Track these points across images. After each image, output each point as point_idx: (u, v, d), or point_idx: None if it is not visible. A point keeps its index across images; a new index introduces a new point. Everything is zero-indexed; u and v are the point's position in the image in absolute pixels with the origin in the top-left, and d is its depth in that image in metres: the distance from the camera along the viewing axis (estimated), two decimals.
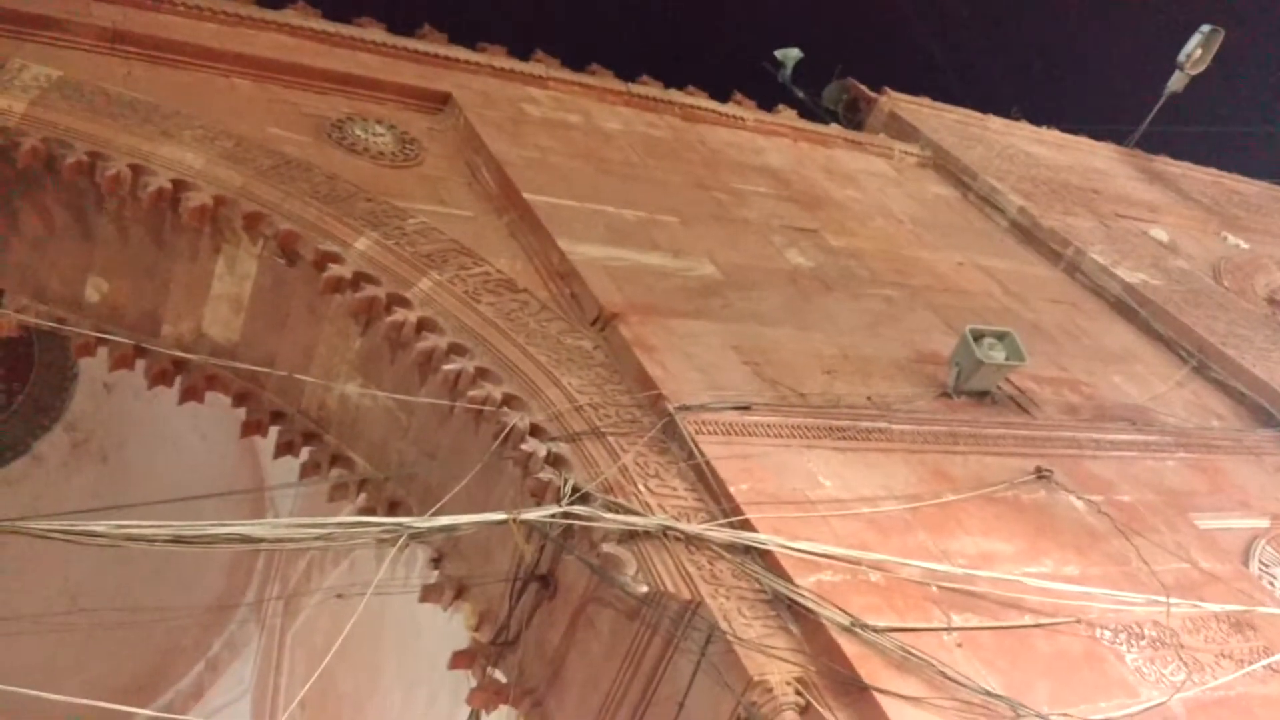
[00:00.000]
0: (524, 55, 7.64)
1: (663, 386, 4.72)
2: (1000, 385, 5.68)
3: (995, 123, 10.02)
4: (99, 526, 3.40)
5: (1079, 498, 5.06)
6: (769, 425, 4.73)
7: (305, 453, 5.57)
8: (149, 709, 8.33)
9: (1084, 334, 6.98)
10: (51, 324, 5.18)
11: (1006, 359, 5.50)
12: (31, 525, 3.37)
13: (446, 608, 5.05)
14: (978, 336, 5.53)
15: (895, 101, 9.40)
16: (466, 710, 4.84)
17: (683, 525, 4.06)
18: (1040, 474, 5.07)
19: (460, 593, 5.00)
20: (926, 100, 9.65)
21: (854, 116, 9.44)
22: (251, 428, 5.55)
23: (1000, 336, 5.58)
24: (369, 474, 5.48)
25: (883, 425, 5.03)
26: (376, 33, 6.96)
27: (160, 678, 9.14)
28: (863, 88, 9.55)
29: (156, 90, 5.60)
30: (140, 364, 5.44)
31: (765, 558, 4.00)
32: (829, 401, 5.12)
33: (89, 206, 5.21)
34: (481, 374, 4.83)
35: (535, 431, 4.57)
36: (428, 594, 5.09)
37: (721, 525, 4.10)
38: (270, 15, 6.61)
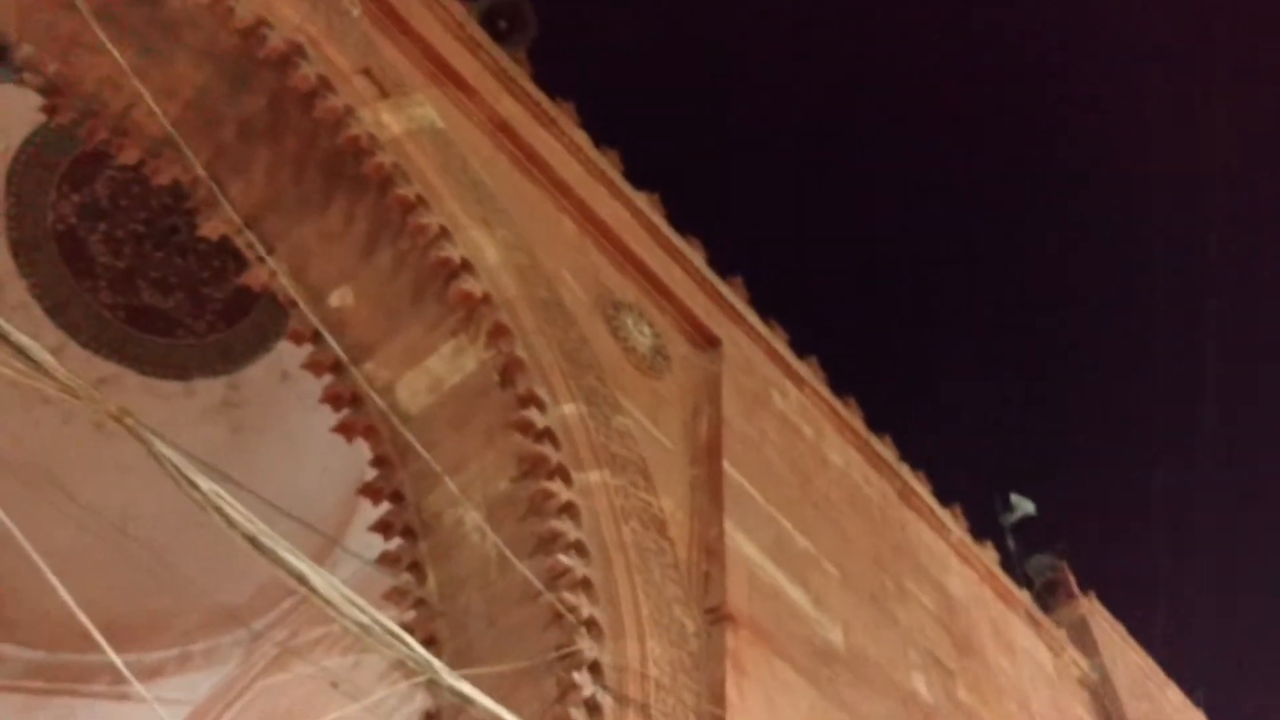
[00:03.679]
0: (802, 348, 7.79)
1: (730, 713, 4.45)
2: None
3: (1174, 695, 9.38)
4: (202, 481, 3.43)
5: None
6: None
7: (395, 543, 5.53)
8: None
9: None
10: (291, 300, 5.43)
11: None
12: (152, 437, 3.43)
13: None
14: None
15: (1093, 611, 8.98)
16: None
17: None
18: None
19: None
20: (1123, 629, 9.18)
21: (1048, 597, 9.06)
22: (371, 491, 5.58)
23: None
24: (430, 598, 5.37)
25: None
26: (697, 256, 7.29)
27: (131, 640, 9.04)
28: (1072, 578, 9.20)
29: (502, 183, 5.99)
30: (327, 378, 5.60)
31: None
32: None
33: (386, 232, 5.52)
34: (584, 584, 4.71)
35: (595, 669, 4.38)
36: None
37: None
38: (626, 190, 7.04)
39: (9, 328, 3.36)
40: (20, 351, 3.37)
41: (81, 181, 8.20)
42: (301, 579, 3.71)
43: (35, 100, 5.64)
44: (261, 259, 5.47)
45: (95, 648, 3.17)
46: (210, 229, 5.57)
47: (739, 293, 7.54)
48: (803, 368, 7.68)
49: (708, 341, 6.86)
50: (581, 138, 6.76)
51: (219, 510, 3.36)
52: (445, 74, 6.04)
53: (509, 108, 6.32)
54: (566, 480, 5.02)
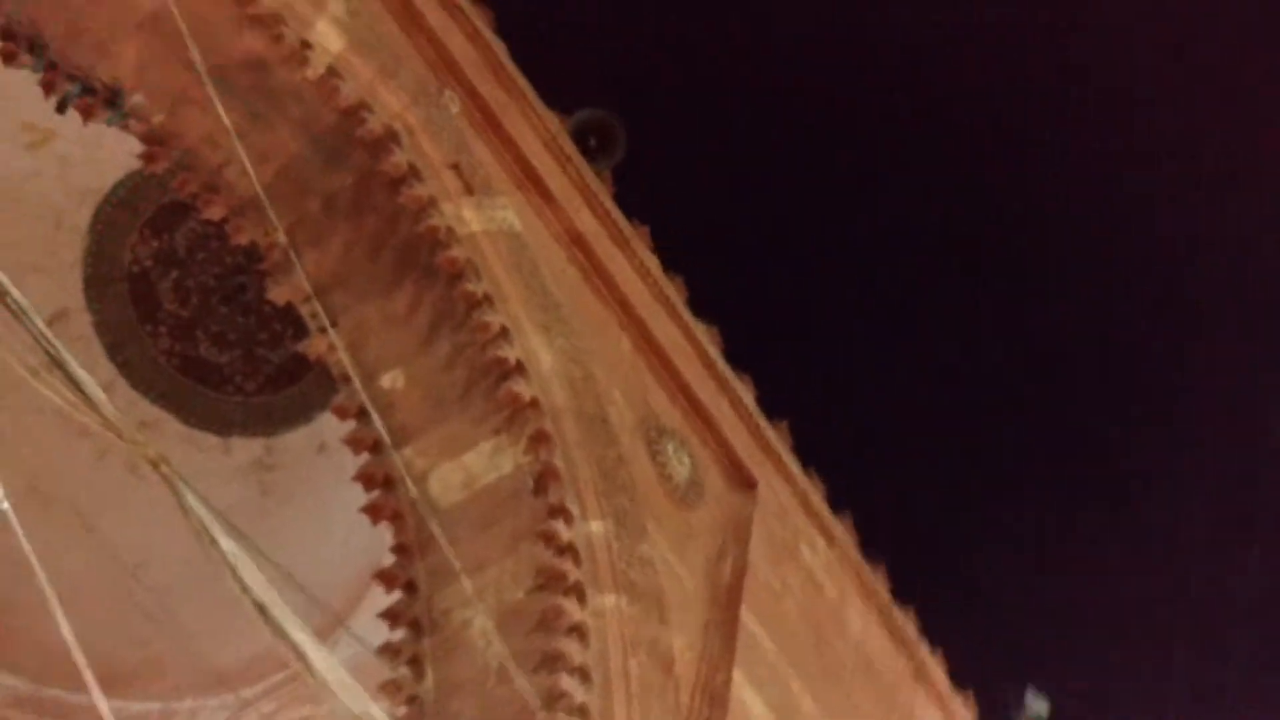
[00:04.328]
0: (837, 503, 7.67)
1: None
2: None
3: None
4: (224, 540, 3.42)
5: None
6: None
7: (400, 634, 5.45)
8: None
9: None
10: (344, 374, 5.48)
11: None
12: (185, 488, 3.44)
13: None
14: None
15: None
16: None
17: None
18: None
19: None
20: None
21: None
22: (386, 578, 5.53)
23: None
24: (425, 697, 5.26)
25: None
26: (747, 394, 7.26)
27: (119, 685, 8.91)
28: None
29: (569, 294, 6.05)
30: (365, 457, 5.61)
31: None
32: None
33: (447, 324, 5.60)
34: (582, 711, 4.61)
35: None
36: None
37: None
38: (687, 317, 7.05)
39: (68, 357, 3.42)
40: (74, 383, 3.42)
41: (163, 229, 8.42)
42: (302, 656, 3.65)
43: (135, 146, 5.84)
44: (323, 330, 5.54)
45: (83, 686, 3.12)
46: (279, 294, 5.68)
47: (783, 437, 7.48)
48: (836, 525, 7.57)
49: (745, 482, 6.79)
50: (651, 261, 6.84)
51: (234, 572, 3.34)
52: (531, 180, 6.18)
53: (586, 222, 6.42)
54: (581, 600, 4.95)
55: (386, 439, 5.32)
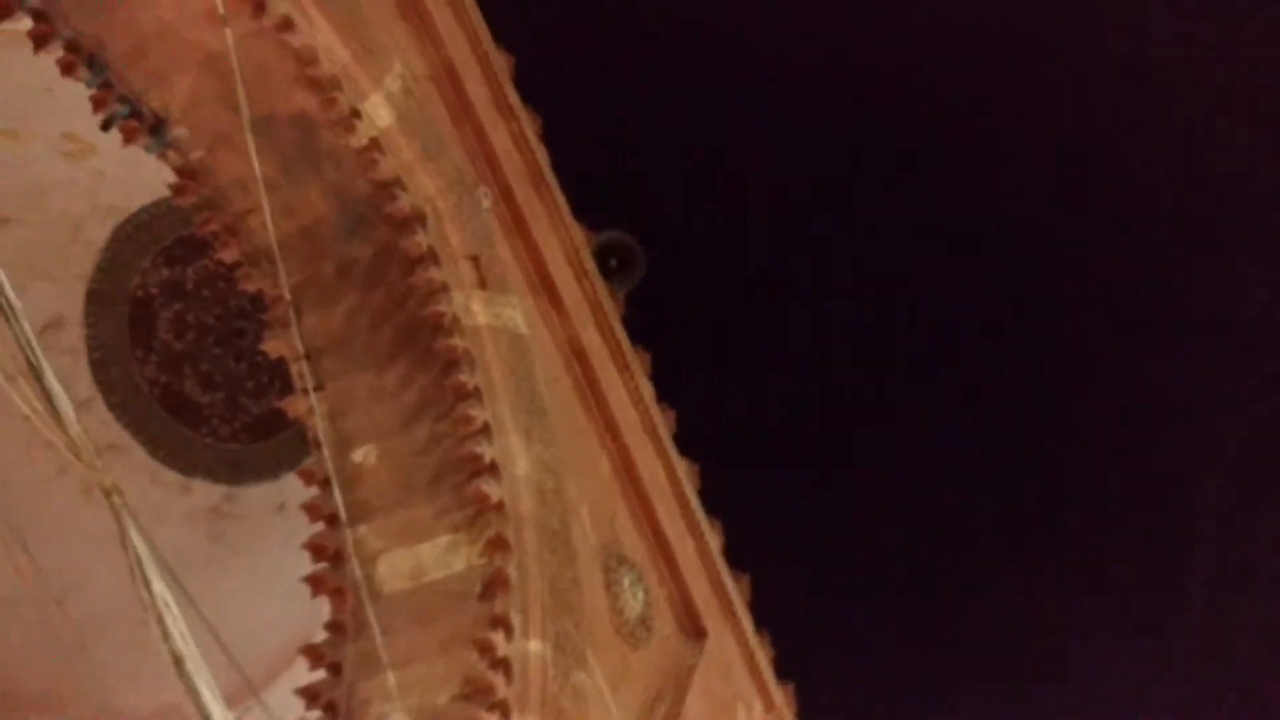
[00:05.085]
0: (785, 669, 7.51)
1: None
2: None
3: None
4: (156, 583, 3.32)
5: None
6: None
7: (314, 716, 5.26)
8: None
9: None
10: (318, 440, 5.42)
11: None
12: (130, 524, 3.36)
13: None
14: None
15: None
16: None
17: None
18: None
19: None
20: None
21: None
22: (313, 654, 5.37)
23: None
24: None
25: None
26: (715, 540, 7.16)
27: (17, 712, 8.59)
28: None
29: (559, 405, 6.01)
30: (319, 526, 5.51)
31: None
32: None
33: (432, 410, 5.55)
34: None
35: None
36: None
37: None
38: (671, 452, 7.00)
39: (46, 367, 3.38)
40: (47, 394, 3.37)
41: (176, 260, 8.46)
42: (206, 718, 3.51)
43: (168, 176, 5.89)
44: (307, 391, 5.50)
45: None
46: (273, 347, 5.66)
47: (742, 591, 7.36)
48: (778, 691, 7.38)
49: (696, 630, 6.64)
50: (647, 389, 6.83)
51: (159, 617, 3.23)
52: (545, 286, 6.22)
53: (591, 337, 6.44)
54: (505, 718, 4.78)
55: (343, 515, 5.23)
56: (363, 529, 5.48)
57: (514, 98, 6.29)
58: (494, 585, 5.15)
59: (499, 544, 5.24)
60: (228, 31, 4.84)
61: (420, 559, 5.41)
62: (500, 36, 6.39)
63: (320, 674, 5.33)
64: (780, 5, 12.08)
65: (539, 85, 6.64)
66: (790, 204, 12.82)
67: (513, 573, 5.16)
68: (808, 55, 12.18)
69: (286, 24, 5.13)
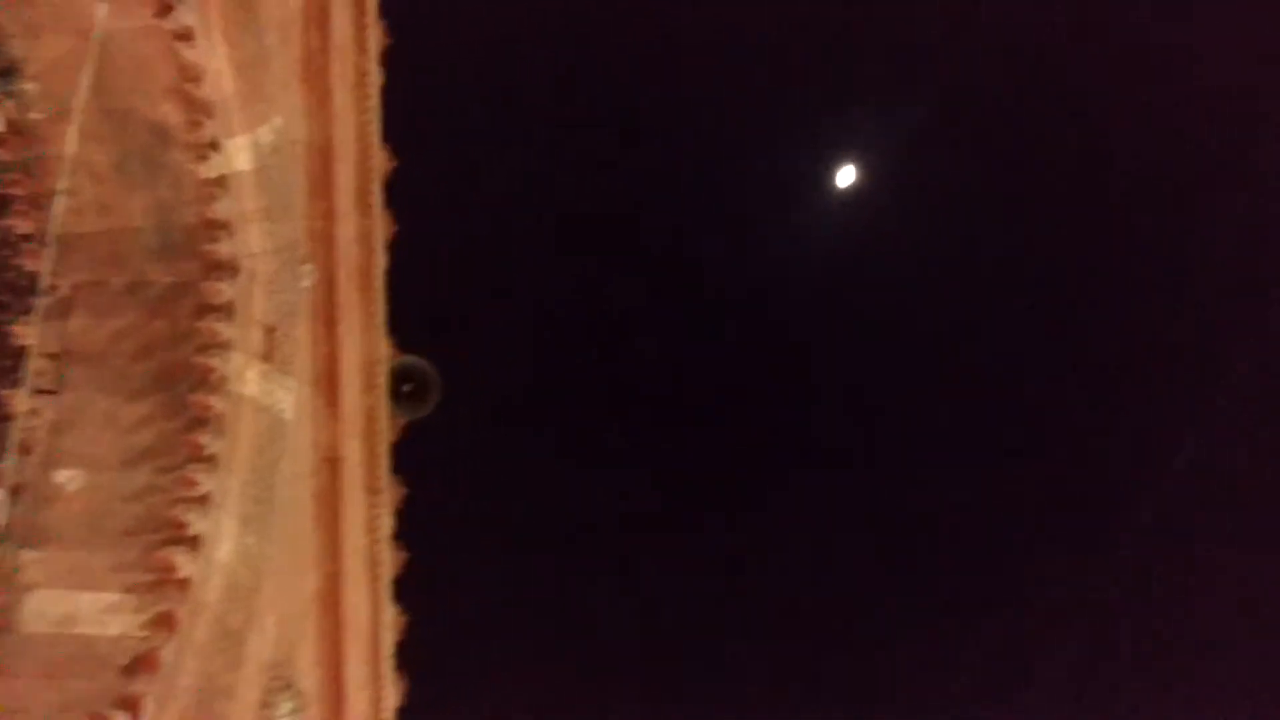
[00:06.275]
0: None
1: None
2: None
3: None
4: None
5: None
6: None
7: None
8: None
9: None
10: (27, 445, 4.98)
11: None
12: None
13: None
14: None
15: None
16: None
17: None
18: None
19: None
20: None
21: None
22: None
23: None
24: None
25: None
26: (393, 697, 6.80)
27: None
28: None
29: (290, 502, 5.70)
30: None
31: None
32: None
33: (158, 459, 5.19)
34: None
35: None
36: None
37: None
38: (384, 595, 6.68)
39: None
40: None
41: None
42: None
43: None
44: (39, 392, 5.09)
45: None
46: (28, 334, 5.23)
47: None
48: None
49: None
50: (387, 522, 6.59)
51: None
52: (329, 385, 6.01)
53: (352, 451, 6.22)
54: None
55: (10, 532, 4.76)
56: (31, 554, 5.00)
57: (378, 197, 6.23)
58: (142, 664, 4.73)
59: (167, 622, 4.84)
60: (103, 5, 4.67)
61: (78, 608, 4.94)
62: (390, 137, 6.37)
63: None
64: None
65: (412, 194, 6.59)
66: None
67: (167, 658, 4.76)
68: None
69: (185, 34, 4.99)
